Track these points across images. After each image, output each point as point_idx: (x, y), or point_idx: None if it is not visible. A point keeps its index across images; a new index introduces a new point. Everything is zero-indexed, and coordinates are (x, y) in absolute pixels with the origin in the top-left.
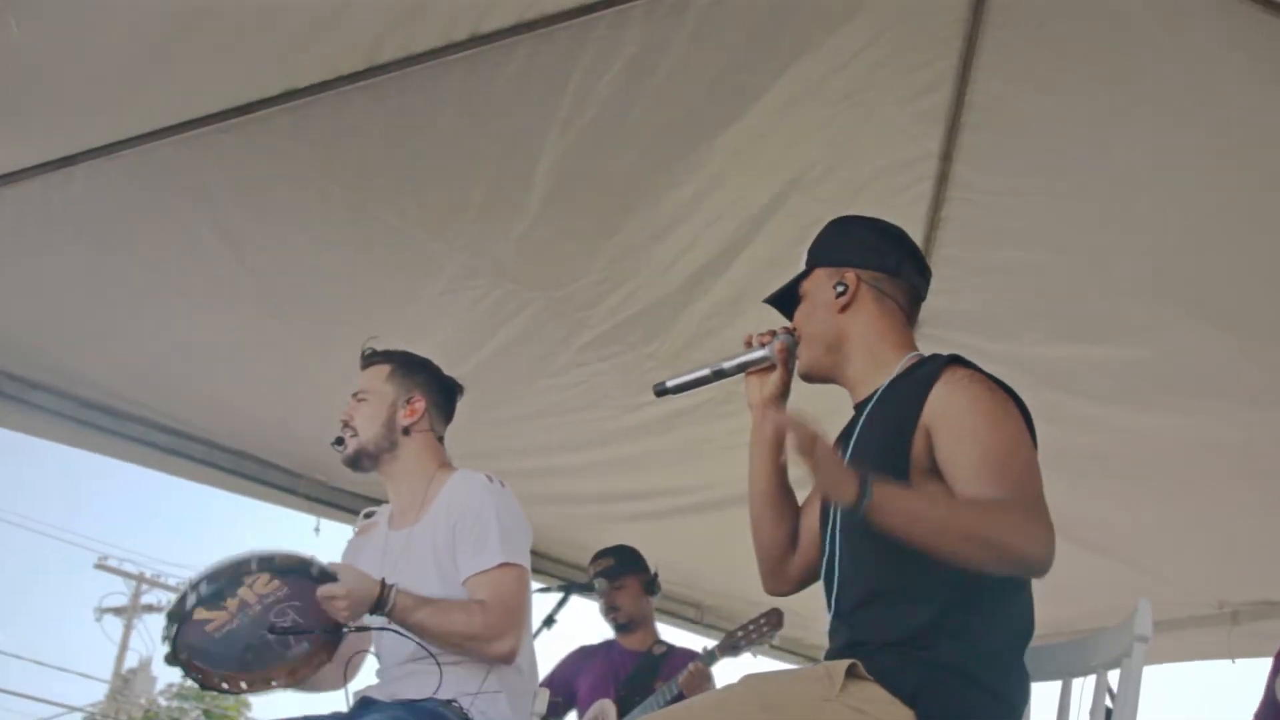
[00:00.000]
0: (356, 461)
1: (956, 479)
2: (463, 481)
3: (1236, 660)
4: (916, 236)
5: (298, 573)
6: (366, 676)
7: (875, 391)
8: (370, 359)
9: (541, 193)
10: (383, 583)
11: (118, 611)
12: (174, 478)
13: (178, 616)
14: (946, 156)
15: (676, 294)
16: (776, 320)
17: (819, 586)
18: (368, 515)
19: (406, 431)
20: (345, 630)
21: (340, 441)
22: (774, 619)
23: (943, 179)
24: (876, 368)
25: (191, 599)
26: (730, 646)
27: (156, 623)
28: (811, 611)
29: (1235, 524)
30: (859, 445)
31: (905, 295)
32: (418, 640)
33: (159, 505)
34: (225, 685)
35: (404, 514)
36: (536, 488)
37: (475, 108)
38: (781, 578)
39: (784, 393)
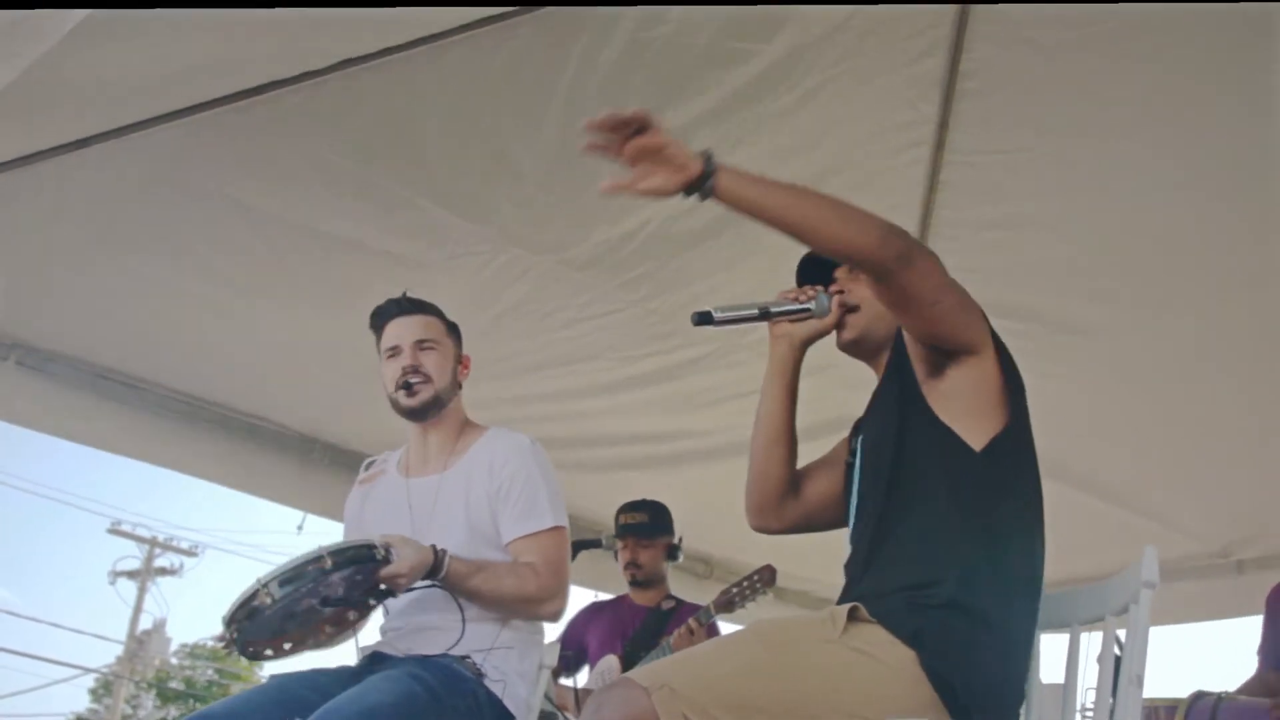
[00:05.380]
0: (427, 410)
1: None
2: (505, 440)
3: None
4: (915, 200)
5: (366, 561)
6: (372, 631)
7: None
8: (418, 306)
9: (545, 161)
10: (434, 549)
11: (131, 575)
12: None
13: (246, 615)
14: (943, 124)
15: (677, 253)
16: (771, 277)
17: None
18: (369, 465)
19: (459, 387)
20: (394, 595)
21: (408, 388)
22: (767, 575)
23: (940, 145)
24: None
25: (265, 601)
26: (725, 603)
27: (169, 586)
28: (817, 564)
29: (1241, 473)
30: (877, 395)
31: None
32: (460, 602)
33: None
34: (270, 652)
35: (426, 462)
36: (542, 431)
37: (479, 82)
38: (772, 516)
39: (812, 340)
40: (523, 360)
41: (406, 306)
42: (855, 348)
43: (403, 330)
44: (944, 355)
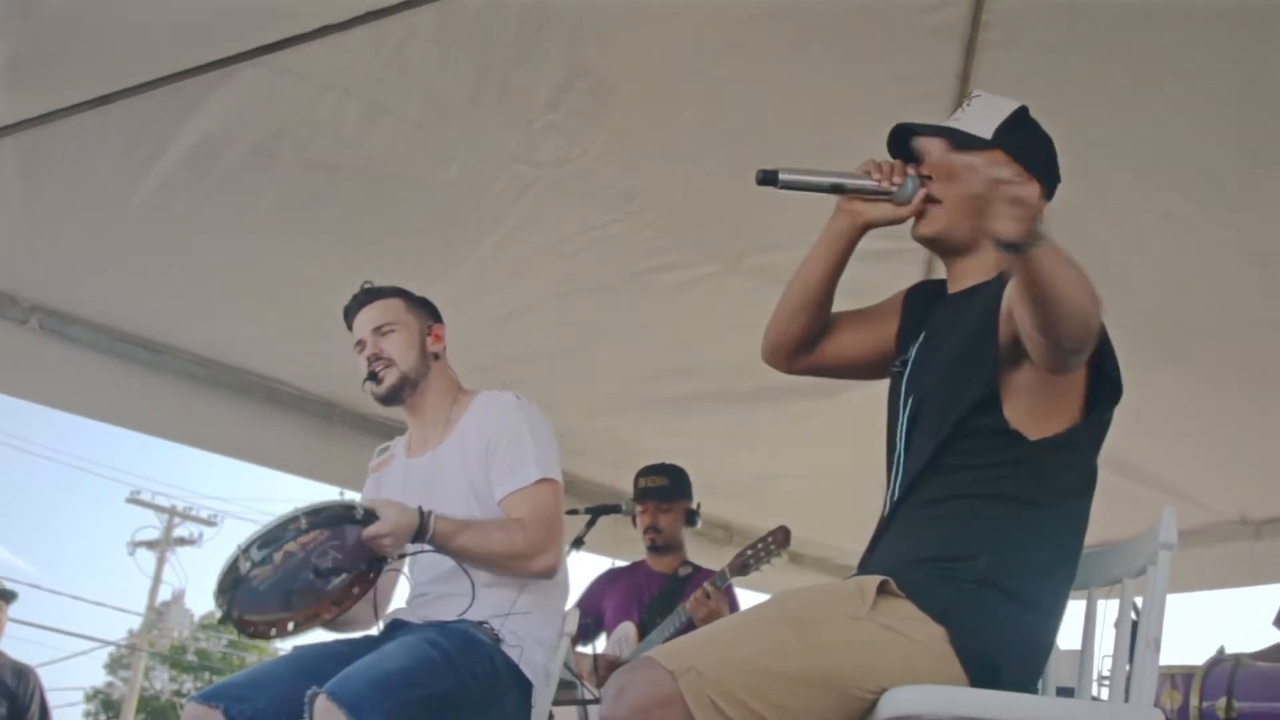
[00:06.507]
0: (397, 393)
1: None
2: (492, 401)
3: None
4: None
5: (343, 521)
6: (397, 600)
7: (977, 284)
8: (375, 294)
9: (551, 83)
10: (420, 510)
11: (150, 545)
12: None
13: (231, 585)
14: (964, 77)
15: (676, 168)
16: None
17: (842, 525)
18: (382, 451)
19: (436, 357)
20: (388, 561)
21: (374, 377)
22: (781, 536)
23: (960, 101)
24: (996, 270)
25: (245, 565)
26: (740, 566)
27: (189, 556)
28: (837, 532)
29: (1258, 438)
30: (948, 341)
31: None
32: (458, 562)
33: None
34: (274, 631)
35: (425, 440)
36: (557, 373)
37: (490, 29)
38: (781, 361)
39: (878, 225)
40: (530, 291)
41: (363, 299)
42: (930, 243)
43: (363, 322)
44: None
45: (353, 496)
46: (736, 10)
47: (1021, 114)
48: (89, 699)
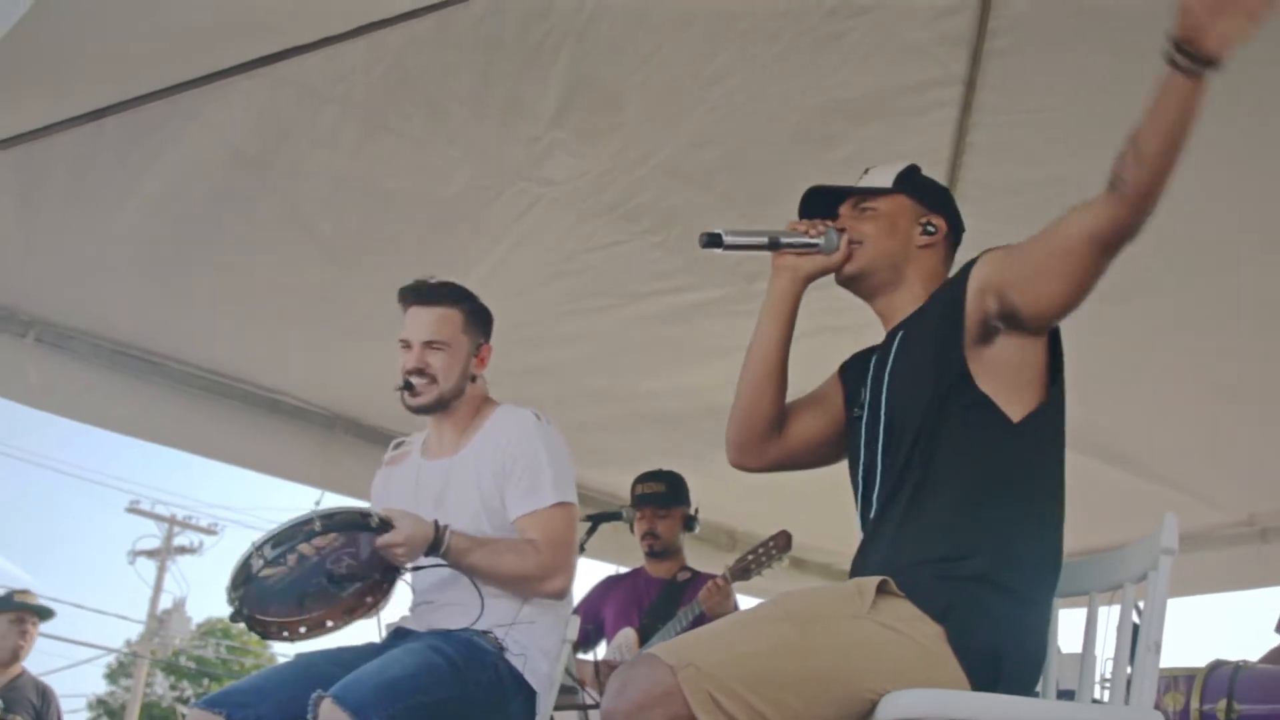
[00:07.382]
0: (429, 409)
1: (1067, 225)
2: (511, 418)
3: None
4: (942, 159)
5: (357, 527)
6: (399, 606)
7: (917, 308)
8: (441, 297)
9: (556, 97)
10: (436, 524)
11: (151, 554)
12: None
13: (243, 581)
14: (971, 83)
15: (684, 186)
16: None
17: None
18: (397, 445)
19: (474, 379)
20: (401, 572)
21: (410, 387)
22: (782, 541)
23: (967, 106)
24: (925, 299)
25: (257, 563)
26: (741, 570)
27: (189, 564)
28: (841, 537)
29: (1265, 438)
30: (905, 348)
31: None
32: (470, 577)
33: None
34: (285, 634)
35: (442, 445)
36: (560, 389)
37: (492, 39)
38: (753, 454)
39: (815, 276)
40: (535, 302)
41: (427, 296)
42: (854, 283)
43: (417, 324)
44: (1005, 324)
45: (358, 504)
46: (745, 21)
47: (915, 168)
48: (92, 707)
